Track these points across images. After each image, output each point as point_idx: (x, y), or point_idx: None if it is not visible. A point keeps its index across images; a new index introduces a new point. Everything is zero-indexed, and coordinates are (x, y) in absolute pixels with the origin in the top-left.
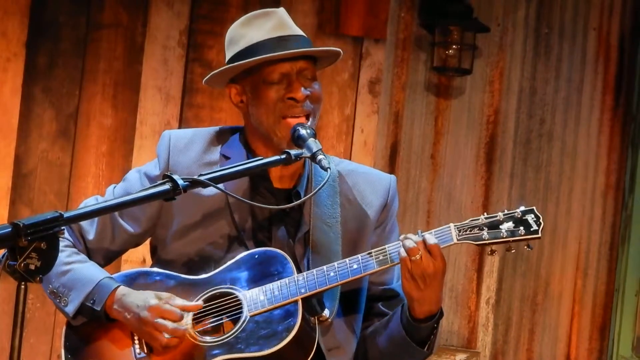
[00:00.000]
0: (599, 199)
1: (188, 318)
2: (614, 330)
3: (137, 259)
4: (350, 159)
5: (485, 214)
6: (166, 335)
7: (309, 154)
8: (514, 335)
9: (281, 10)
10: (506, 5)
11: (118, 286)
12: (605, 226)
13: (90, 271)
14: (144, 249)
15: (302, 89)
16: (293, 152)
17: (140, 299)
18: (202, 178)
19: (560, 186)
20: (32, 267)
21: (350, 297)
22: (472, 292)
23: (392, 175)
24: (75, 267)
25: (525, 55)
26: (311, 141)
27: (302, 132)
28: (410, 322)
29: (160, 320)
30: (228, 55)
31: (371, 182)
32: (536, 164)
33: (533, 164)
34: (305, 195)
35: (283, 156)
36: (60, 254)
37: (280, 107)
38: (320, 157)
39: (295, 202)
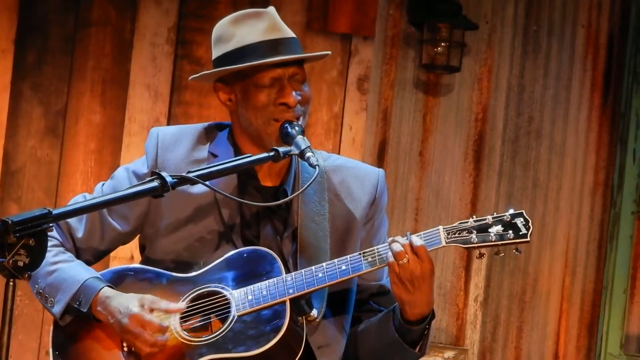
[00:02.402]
0: (588, 196)
1: (175, 317)
2: (602, 328)
3: (125, 255)
4: None
5: (474, 216)
6: (146, 347)
7: (297, 152)
8: (502, 333)
9: (272, 11)
10: (495, 3)
11: (102, 287)
12: (594, 224)
13: (76, 271)
14: (132, 246)
15: (294, 93)
16: (281, 149)
17: (123, 304)
18: (190, 175)
19: (549, 184)
20: (21, 263)
21: (339, 296)
22: (461, 289)
23: (381, 170)
24: (61, 267)
25: (513, 52)
26: (299, 139)
27: (290, 129)
28: (402, 324)
29: (139, 331)
30: (216, 53)
31: (359, 177)
32: (524, 162)
33: (521, 161)
34: (292, 193)
35: (271, 153)
36: (46, 254)
37: (271, 110)
38: (308, 154)
39: (282, 200)
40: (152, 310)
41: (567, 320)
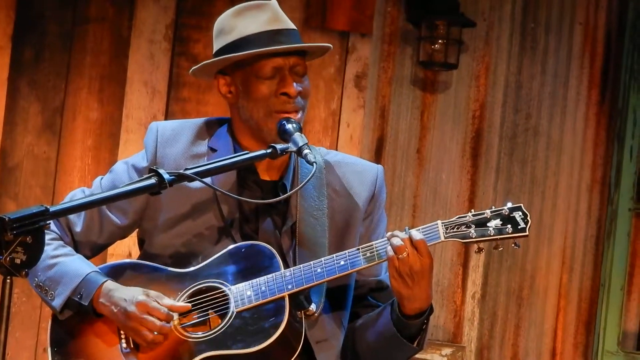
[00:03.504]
0: (585, 193)
1: (175, 321)
2: (600, 325)
3: (123, 252)
4: None
5: (472, 211)
6: (151, 333)
7: (294, 148)
8: (500, 330)
9: (274, 3)
10: (492, 0)
11: (105, 280)
12: (591, 221)
13: (77, 265)
14: (130, 243)
15: (295, 84)
16: (279, 146)
17: (128, 294)
18: (188, 172)
19: (546, 181)
20: (18, 261)
21: (338, 291)
22: (458, 286)
23: (380, 165)
24: (62, 261)
25: (511, 49)
26: (297, 135)
27: (288, 126)
28: (400, 319)
29: (146, 317)
30: (217, 46)
31: (358, 173)
32: (522, 159)
33: (519, 158)
34: (291, 187)
35: (269, 150)
36: (46, 247)
37: (272, 102)
38: (306, 151)
39: (281, 197)
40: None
41: (565, 317)
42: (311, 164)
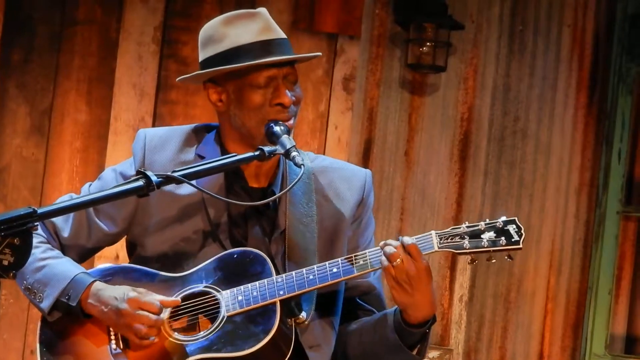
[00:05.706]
0: (573, 196)
1: (165, 315)
2: (587, 328)
3: (111, 254)
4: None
5: (466, 222)
6: (145, 327)
7: (282, 151)
8: (487, 333)
9: (264, 12)
10: (480, 3)
11: (94, 281)
12: (579, 224)
13: (66, 267)
14: (118, 246)
15: (288, 93)
16: (267, 148)
17: (118, 292)
18: (175, 175)
19: (534, 183)
20: (6, 263)
21: (328, 296)
22: (446, 289)
23: (368, 170)
24: (50, 263)
25: (499, 52)
26: (285, 138)
27: (276, 128)
28: (403, 327)
29: (139, 312)
30: (207, 54)
31: (347, 178)
32: (510, 161)
33: (507, 161)
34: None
35: (257, 153)
36: (35, 250)
37: (266, 111)
38: (293, 153)
39: (268, 199)
40: None
41: (552, 320)
42: (299, 166)
